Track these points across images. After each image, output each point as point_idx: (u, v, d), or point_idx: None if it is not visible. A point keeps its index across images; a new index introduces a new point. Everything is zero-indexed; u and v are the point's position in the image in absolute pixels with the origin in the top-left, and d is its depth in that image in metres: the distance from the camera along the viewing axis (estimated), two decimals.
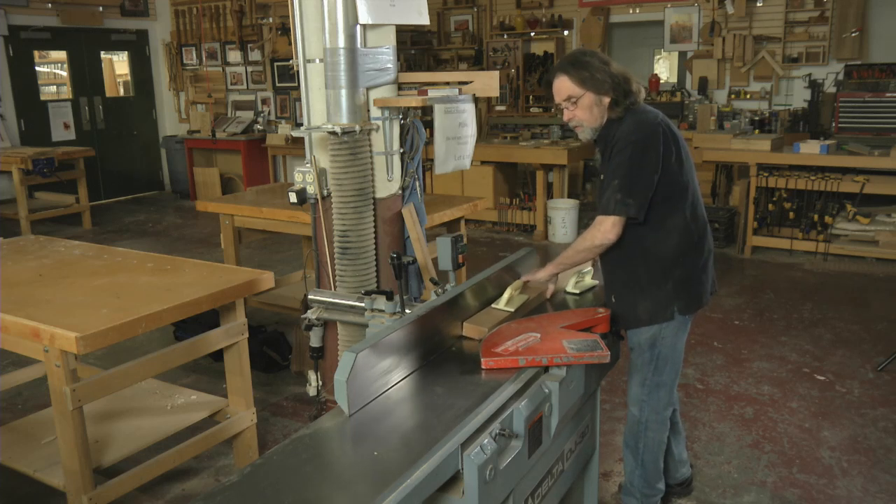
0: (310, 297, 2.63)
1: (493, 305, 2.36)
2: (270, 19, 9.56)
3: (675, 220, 2.42)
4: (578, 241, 2.46)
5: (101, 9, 9.81)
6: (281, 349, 4.33)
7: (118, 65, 10.61)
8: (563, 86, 2.41)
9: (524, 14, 8.63)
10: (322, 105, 3.00)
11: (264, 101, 10.15)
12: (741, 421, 3.58)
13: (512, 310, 2.33)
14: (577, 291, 2.60)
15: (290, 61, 3.12)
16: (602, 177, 2.49)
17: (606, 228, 2.36)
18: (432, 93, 3.06)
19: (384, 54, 3.00)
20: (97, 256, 3.32)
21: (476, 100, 3.27)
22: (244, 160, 9.47)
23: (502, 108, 8.66)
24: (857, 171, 6.00)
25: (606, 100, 2.38)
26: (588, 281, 2.69)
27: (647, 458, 2.65)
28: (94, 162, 9.47)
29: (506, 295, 2.37)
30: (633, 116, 2.39)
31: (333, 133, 2.89)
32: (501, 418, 1.74)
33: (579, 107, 2.41)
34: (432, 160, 3.10)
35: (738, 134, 6.63)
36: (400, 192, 3.22)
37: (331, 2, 2.83)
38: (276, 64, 9.84)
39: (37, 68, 9.51)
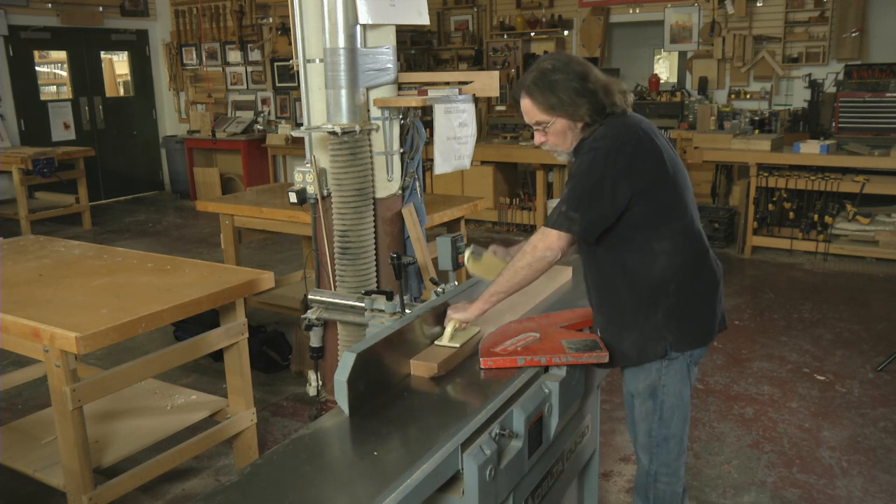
0: (310, 297, 2.63)
1: (436, 342, 2.07)
2: (270, 19, 9.56)
3: (662, 243, 2.05)
4: (518, 257, 2.09)
5: (101, 9, 9.81)
6: (281, 349, 4.33)
7: (118, 65, 10.61)
8: (530, 110, 2.08)
9: (524, 14, 8.63)
10: (322, 105, 3.00)
11: (264, 101, 10.15)
12: (741, 421, 3.58)
13: (457, 345, 2.04)
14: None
15: (290, 61, 3.12)
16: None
17: (551, 240, 2.02)
18: (432, 93, 3.06)
19: (384, 54, 3.00)
20: (97, 256, 3.32)
21: (476, 100, 3.27)
22: (244, 160, 9.47)
23: (502, 108, 8.64)
24: (857, 171, 6.01)
25: (581, 123, 2.06)
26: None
27: None
28: (94, 162, 9.46)
29: (448, 329, 2.07)
30: (608, 122, 2.05)
31: (333, 133, 2.90)
32: (501, 418, 1.74)
33: (551, 133, 2.09)
34: (432, 160, 3.10)
35: (738, 134, 6.62)
36: (400, 192, 3.22)
37: (331, 2, 2.84)
38: (276, 64, 9.83)
39: (37, 68, 9.51)
